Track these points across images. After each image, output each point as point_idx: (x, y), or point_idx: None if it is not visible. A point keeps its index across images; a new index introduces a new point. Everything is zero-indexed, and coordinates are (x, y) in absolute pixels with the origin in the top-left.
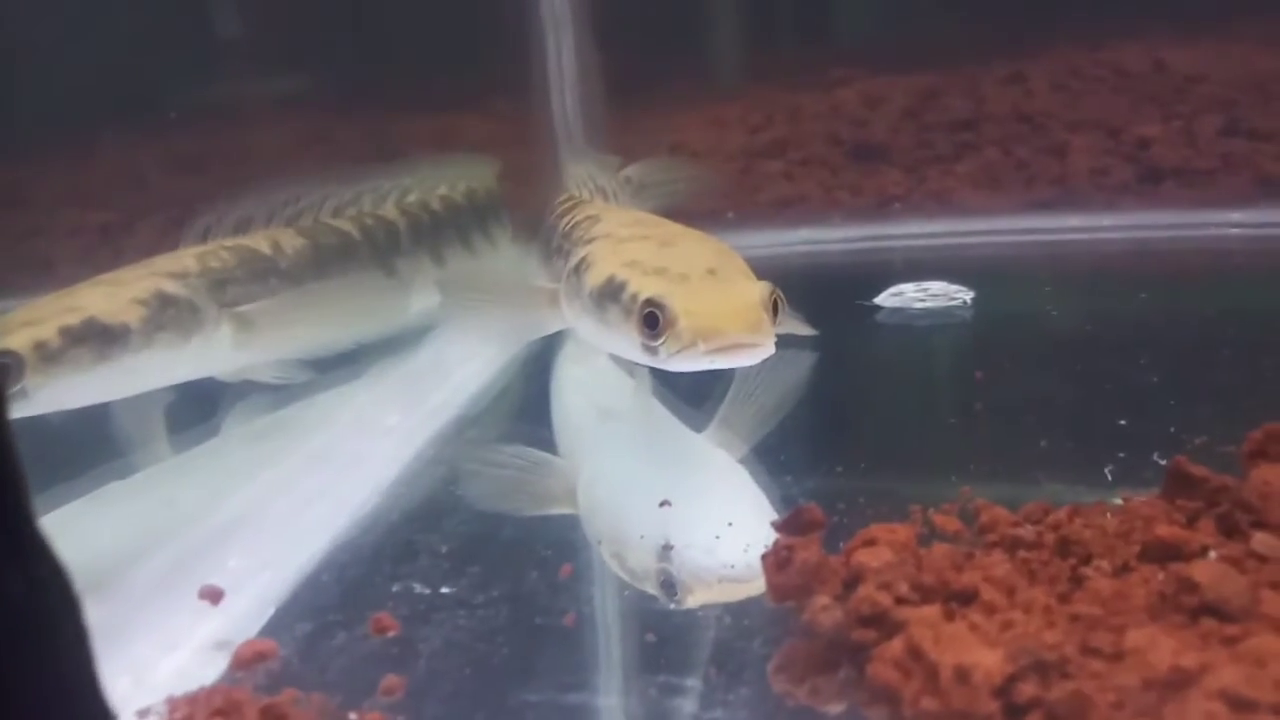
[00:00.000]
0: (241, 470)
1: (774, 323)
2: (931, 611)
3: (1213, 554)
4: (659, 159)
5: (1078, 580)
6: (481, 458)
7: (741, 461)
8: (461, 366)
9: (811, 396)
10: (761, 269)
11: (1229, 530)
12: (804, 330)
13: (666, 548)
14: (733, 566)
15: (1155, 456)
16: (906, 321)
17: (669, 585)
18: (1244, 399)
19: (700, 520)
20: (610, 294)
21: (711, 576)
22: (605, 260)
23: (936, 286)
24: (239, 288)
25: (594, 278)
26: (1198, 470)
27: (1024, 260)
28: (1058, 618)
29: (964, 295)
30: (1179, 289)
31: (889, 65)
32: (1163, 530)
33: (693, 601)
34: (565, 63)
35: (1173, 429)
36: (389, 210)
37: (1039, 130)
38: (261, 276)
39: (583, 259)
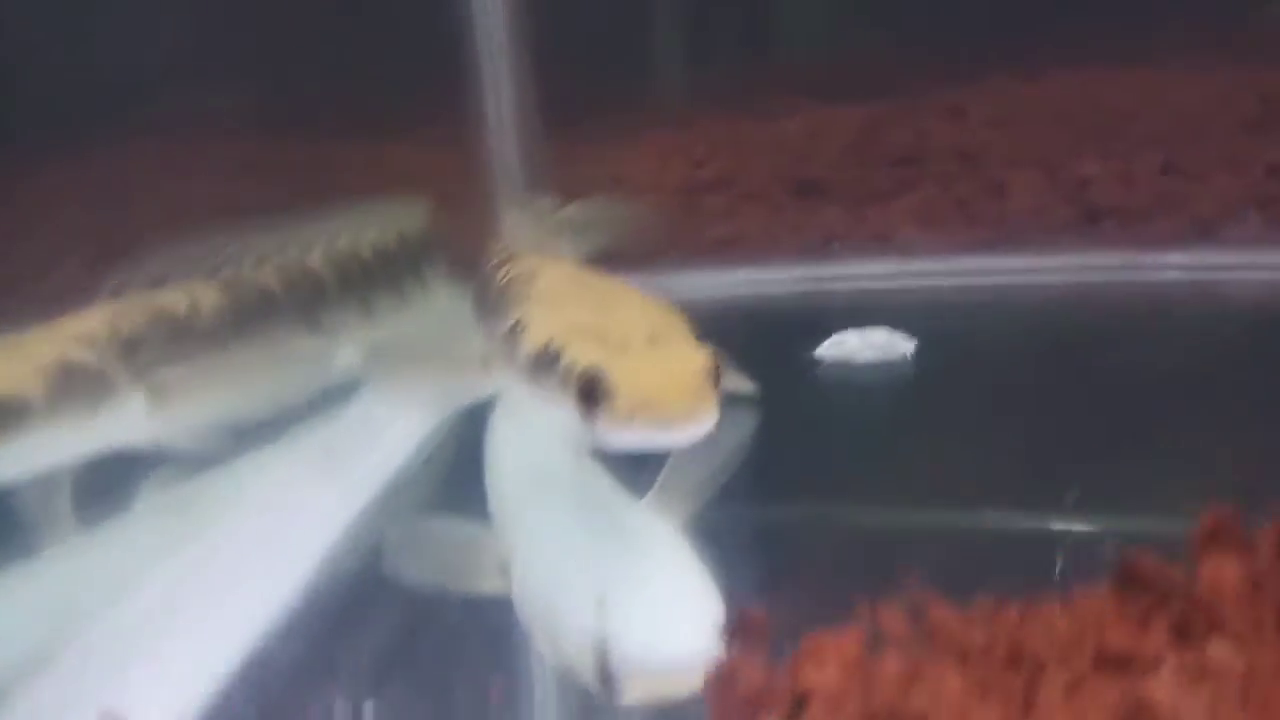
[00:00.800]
0: (151, 554)
1: (715, 393)
2: None
3: (1167, 665)
4: (597, 199)
5: (1030, 699)
6: (409, 534)
7: (683, 531)
8: (388, 429)
9: (753, 461)
10: (703, 313)
11: (1183, 633)
12: (745, 387)
13: (603, 638)
14: (675, 658)
15: (1105, 536)
16: (849, 376)
17: (607, 679)
18: (1191, 461)
19: (640, 605)
20: (546, 362)
21: (653, 669)
22: (541, 324)
23: (879, 336)
24: (152, 352)
25: (530, 343)
26: (1147, 565)
27: (966, 303)
28: None
29: (906, 348)
30: (1120, 335)
31: (833, 92)
32: (1114, 637)
33: (633, 697)
34: (502, 90)
35: (1120, 498)
36: (315, 260)
37: (978, 167)
38: (177, 339)
39: (518, 321)
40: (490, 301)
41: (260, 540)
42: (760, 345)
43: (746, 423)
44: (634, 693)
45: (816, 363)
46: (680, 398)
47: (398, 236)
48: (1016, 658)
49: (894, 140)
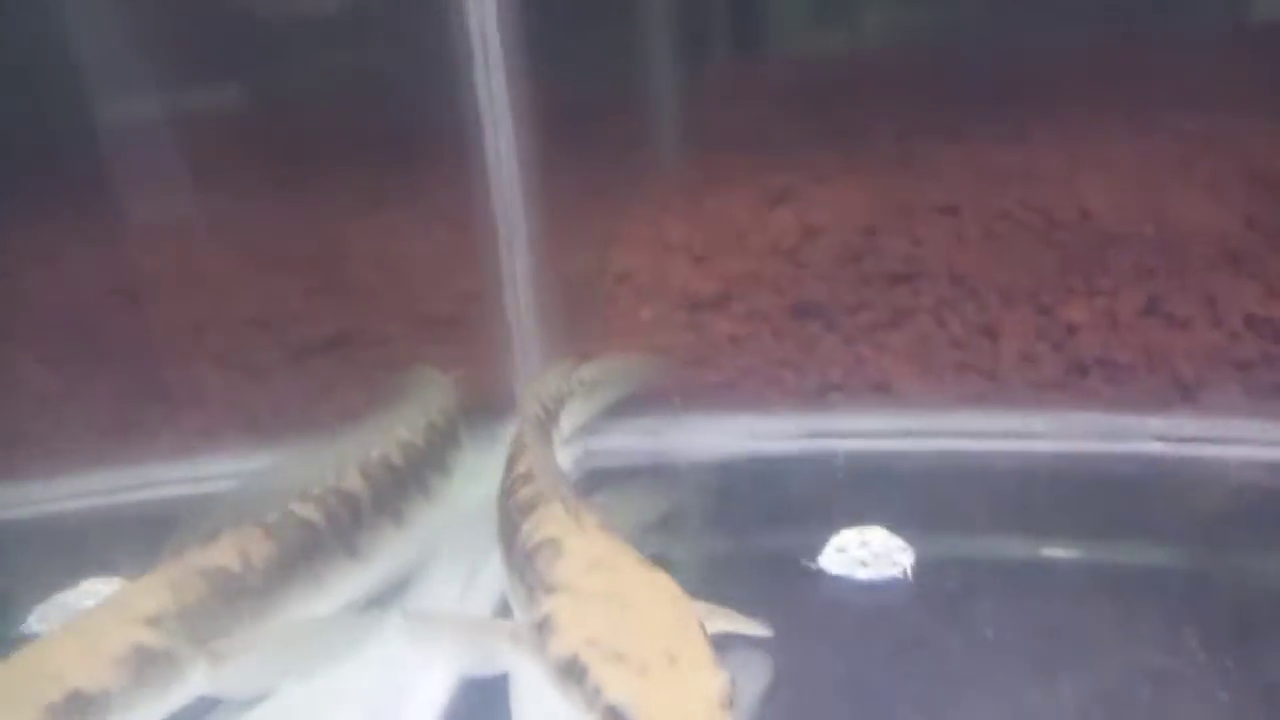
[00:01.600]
0: None
1: (729, 712)
2: None
3: None
4: (612, 357)
5: None
6: None
7: None
8: (415, 684)
9: (771, 712)
10: (706, 471)
11: None
12: (758, 631)
13: None
14: None
15: None
16: (849, 595)
17: None
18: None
19: None
20: (573, 677)
21: None
22: (567, 629)
23: (877, 541)
24: (212, 621)
25: (556, 649)
26: None
27: (953, 474)
28: None
29: (905, 562)
30: (1112, 515)
31: (826, 171)
32: None
33: None
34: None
35: None
36: (350, 479)
37: (971, 296)
38: (232, 600)
39: (546, 618)
40: (518, 559)
41: None
42: (765, 532)
43: (762, 669)
44: None
45: (819, 574)
46: None
47: (426, 429)
48: None
49: (890, 249)
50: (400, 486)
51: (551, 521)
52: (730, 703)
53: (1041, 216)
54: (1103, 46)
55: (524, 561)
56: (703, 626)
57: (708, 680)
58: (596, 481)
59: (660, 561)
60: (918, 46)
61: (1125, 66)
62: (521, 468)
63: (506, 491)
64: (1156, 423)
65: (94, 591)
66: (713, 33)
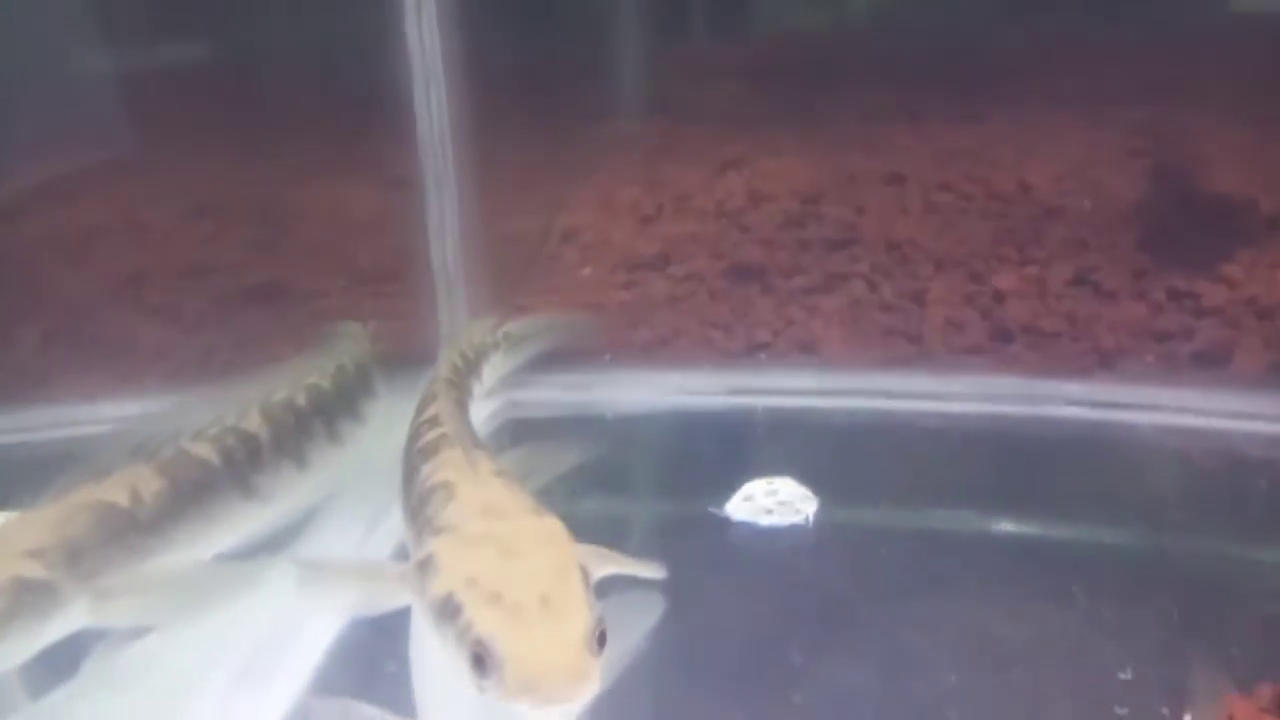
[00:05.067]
0: None
1: (599, 654)
2: None
3: None
4: (539, 315)
5: None
6: (330, 713)
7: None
8: (307, 627)
9: (657, 648)
10: (628, 424)
11: None
12: (650, 573)
13: None
14: None
15: None
16: (752, 540)
17: None
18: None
19: None
20: (448, 615)
21: None
22: (447, 569)
23: (785, 490)
24: (96, 555)
25: (436, 588)
26: None
27: (871, 431)
28: None
29: (807, 510)
30: (1020, 478)
31: (783, 141)
32: None
33: None
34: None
35: None
36: (251, 420)
37: (905, 263)
38: (119, 536)
39: (428, 558)
40: (413, 501)
41: None
42: (678, 480)
43: (652, 608)
44: None
45: (725, 521)
46: (562, 677)
47: (335, 375)
48: None
49: (832, 216)
50: (304, 429)
51: (449, 466)
52: (601, 644)
53: (982, 188)
54: (1071, 40)
55: (418, 504)
56: (584, 571)
57: (578, 622)
58: (520, 432)
59: (571, 511)
60: (900, 29)
61: (1088, 59)
62: (429, 413)
63: (412, 436)
64: (1074, 388)
65: None
66: (695, 8)
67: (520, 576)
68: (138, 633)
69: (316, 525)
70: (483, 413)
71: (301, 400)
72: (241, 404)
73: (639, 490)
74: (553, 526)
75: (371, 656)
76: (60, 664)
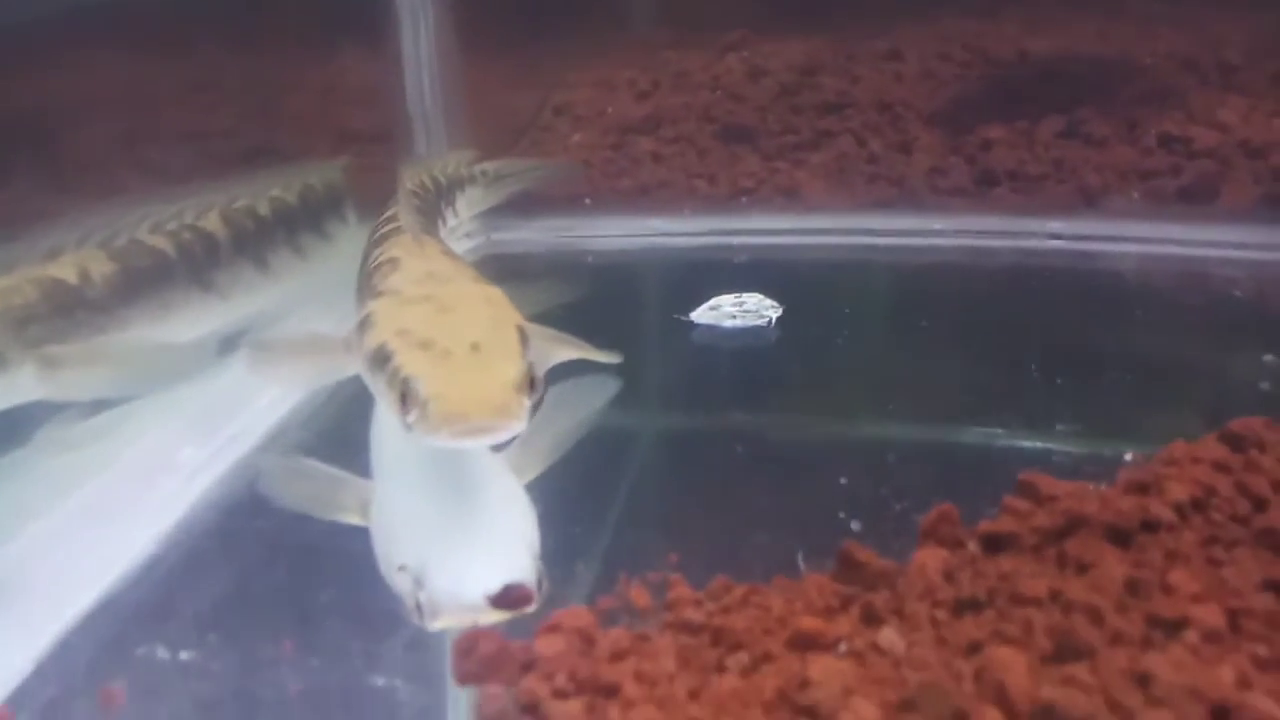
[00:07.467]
0: (41, 493)
1: (530, 400)
2: (575, 706)
3: (843, 647)
4: (519, 156)
5: (720, 671)
6: (283, 467)
7: (529, 487)
8: (267, 390)
9: (608, 425)
10: (608, 263)
11: (869, 619)
12: (605, 358)
13: (420, 573)
14: (478, 594)
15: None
16: (714, 341)
17: (420, 609)
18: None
19: (460, 546)
20: (380, 362)
21: (459, 606)
22: (382, 323)
23: (752, 301)
24: (43, 325)
25: (370, 340)
26: (863, 555)
27: (848, 265)
28: (679, 716)
29: (771, 315)
30: (986, 304)
31: (783, 24)
32: (805, 622)
33: (439, 625)
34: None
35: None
36: (210, 221)
37: (895, 121)
38: (68, 310)
39: (367, 316)
40: (362, 279)
41: (126, 500)
42: (650, 298)
43: (606, 389)
44: (441, 622)
45: (690, 325)
46: (486, 409)
47: (301, 192)
48: (721, 635)
49: (826, 86)
50: (265, 235)
51: (398, 246)
52: (530, 389)
53: (980, 56)
54: None
55: (365, 280)
56: (522, 330)
57: (507, 366)
58: (500, 267)
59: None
60: None
61: None
62: (387, 213)
63: (370, 235)
64: (1056, 224)
65: None
66: None
67: (453, 327)
68: (95, 408)
69: (280, 328)
70: (462, 248)
71: (264, 209)
72: (201, 206)
73: (607, 308)
74: (493, 293)
75: (330, 423)
76: (19, 437)
